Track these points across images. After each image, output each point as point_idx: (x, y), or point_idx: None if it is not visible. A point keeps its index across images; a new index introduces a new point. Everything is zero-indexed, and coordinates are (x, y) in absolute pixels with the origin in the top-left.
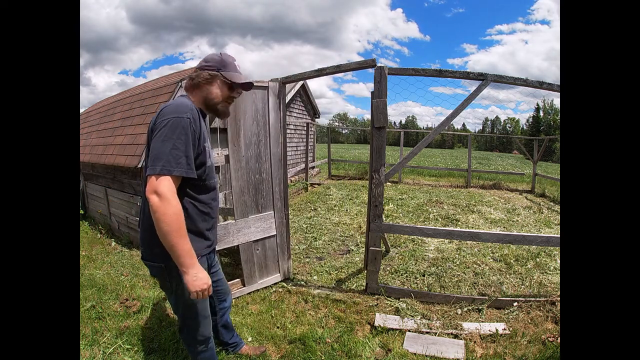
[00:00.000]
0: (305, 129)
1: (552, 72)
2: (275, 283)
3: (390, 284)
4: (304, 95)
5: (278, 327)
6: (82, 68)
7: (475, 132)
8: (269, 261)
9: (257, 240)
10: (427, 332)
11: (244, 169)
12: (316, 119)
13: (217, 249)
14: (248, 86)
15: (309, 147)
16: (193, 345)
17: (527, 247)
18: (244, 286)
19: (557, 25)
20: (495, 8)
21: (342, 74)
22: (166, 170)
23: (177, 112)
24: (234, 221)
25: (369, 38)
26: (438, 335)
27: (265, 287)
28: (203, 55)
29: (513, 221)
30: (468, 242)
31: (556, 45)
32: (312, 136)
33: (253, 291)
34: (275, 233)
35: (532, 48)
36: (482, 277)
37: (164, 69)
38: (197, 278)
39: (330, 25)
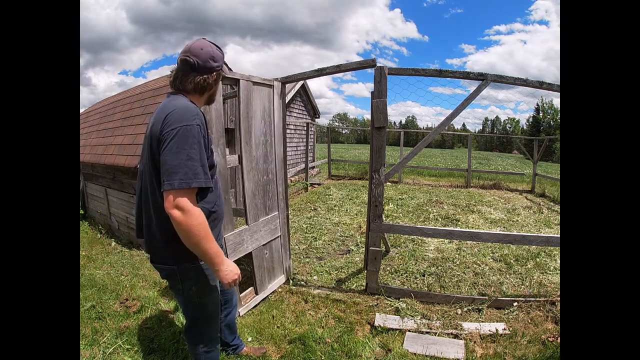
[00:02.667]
0: (305, 129)
1: (551, 72)
2: (280, 285)
3: (390, 284)
4: (304, 95)
5: (278, 327)
6: (82, 68)
7: (475, 132)
8: (275, 264)
9: (265, 244)
10: (427, 332)
11: (255, 170)
12: (316, 119)
13: (233, 259)
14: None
15: (309, 147)
16: (200, 345)
17: (527, 247)
18: (257, 294)
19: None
20: (493, 9)
21: (342, 74)
22: (185, 183)
23: (185, 120)
24: (247, 227)
25: (368, 38)
26: (438, 335)
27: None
28: None
29: (513, 221)
30: (468, 242)
31: (555, 45)
32: (312, 136)
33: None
34: (280, 234)
35: (530, 48)
36: (482, 277)
37: (164, 69)
38: (229, 271)
39: (330, 26)
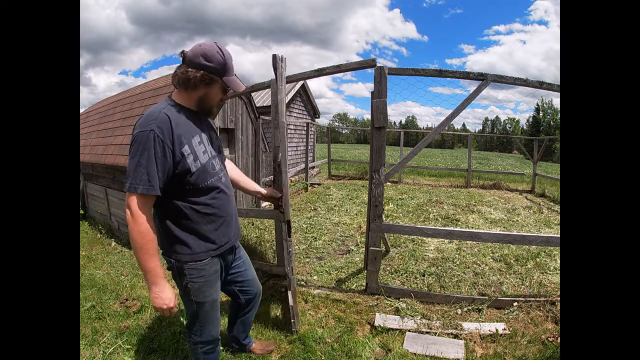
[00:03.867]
0: (305, 129)
1: (550, 72)
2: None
3: (390, 284)
4: (304, 95)
5: (278, 327)
6: (82, 68)
7: (475, 132)
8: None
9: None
10: (427, 332)
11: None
12: (316, 119)
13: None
14: (244, 91)
15: (309, 147)
16: (200, 345)
17: (527, 247)
18: None
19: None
20: (492, 9)
21: (342, 74)
22: (132, 188)
23: (141, 126)
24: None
25: (368, 39)
26: (438, 335)
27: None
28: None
29: (513, 221)
30: (468, 242)
31: (554, 45)
32: (312, 136)
33: None
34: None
35: (530, 48)
36: (482, 277)
37: (164, 69)
38: (159, 297)
39: (330, 26)
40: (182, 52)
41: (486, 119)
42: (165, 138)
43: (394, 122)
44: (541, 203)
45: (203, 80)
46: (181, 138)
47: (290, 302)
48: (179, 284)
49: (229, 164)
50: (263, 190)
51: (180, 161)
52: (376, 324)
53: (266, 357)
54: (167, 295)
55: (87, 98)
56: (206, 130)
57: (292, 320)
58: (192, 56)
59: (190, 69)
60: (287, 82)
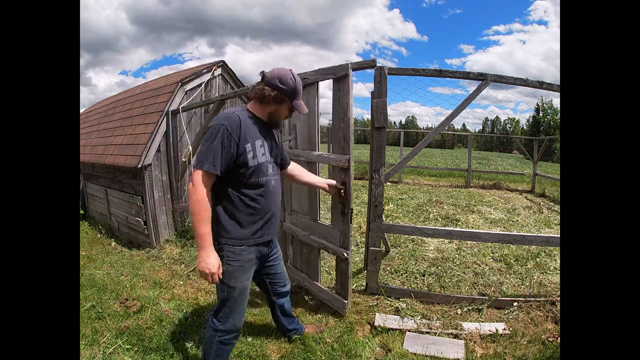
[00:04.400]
0: None
1: (550, 72)
2: None
3: (390, 284)
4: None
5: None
6: (82, 68)
7: (475, 132)
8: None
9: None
10: (427, 332)
11: None
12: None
13: None
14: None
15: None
16: (218, 332)
17: (527, 247)
18: None
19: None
20: (492, 9)
21: None
22: (199, 165)
23: (217, 120)
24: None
25: (367, 39)
26: (438, 335)
27: None
28: (202, 56)
29: (513, 221)
30: (468, 242)
31: (554, 45)
32: None
33: None
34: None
35: (530, 48)
36: (482, 277)
37: (164, 69)
38: (204, 261)
39: (330, 26)
40: (262, 72)
41: (486, 119)
42: (233, 133)
43: (394, 122)
44: (541, 203)
45: (275, 99)
46: (246, 137)
47: (347, 285)
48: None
49: (293, 164)
50: (326, 185)
51: (242, 155)
52: (376, 324)
53: (266, 356)
54: (212, 260)
55: (87, 98)
56: (269, 139)
57: (345, 301)
58: (270, 77)
59: (266, 88)
60: None
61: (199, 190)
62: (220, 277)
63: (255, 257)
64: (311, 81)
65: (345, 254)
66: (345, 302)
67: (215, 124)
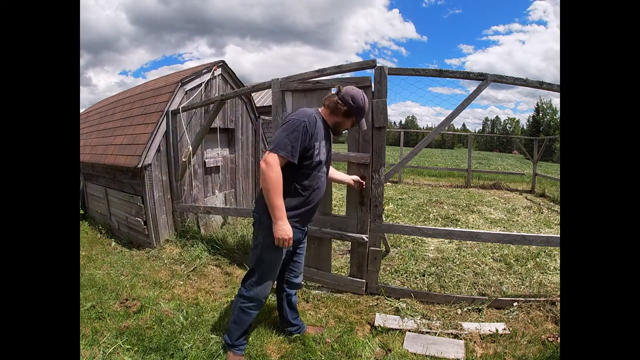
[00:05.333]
0: None
1: (550, 72)
2: None
3: (390, 284)
4: None
5: (278, 327)
6: (82, 68)
7: (475, 132)
8: None
9: None
10: (427, 332)
11: None
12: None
13: None
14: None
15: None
16: (242, 298)
17: (527, 247)
18: None
19: (554, 26)
20: (491, 9)
21: (341, 74)
22: (276, 150)
23: (297, 115)
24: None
25: (367, 39)
26: (438, 335)
27: None
28: (202, 56)
29: (513, 221)
30: (468, 242)
31: (553, 45)
32: None
33: None
34: None
35: (529, 48)
36: (482, 277)
37: (164, 69)
38: (282, 229)
39: (330, 26)
40: (339, 87)
41: (486, 119)
42: (309, 129)
43: (394, 122)
44: (541, 203)
45: (345, 113)
46: (317, 136)
47: (364, 267)
48: (257, 236)
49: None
50: (351, 180)
51: (310, 149)
52: (376, 324)
53: (266, 356)
54: (289, 227)
55: (87, 98)
56: (328, 143)
57: (363, 280)
58: (344, 94)
59: (340, 102)
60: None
61: (275, 169)
62: (291, 242)
63: (293, 240)
64: (327, 87)
65: (365, 238)
66: (363, 281)
67: (297, 119)
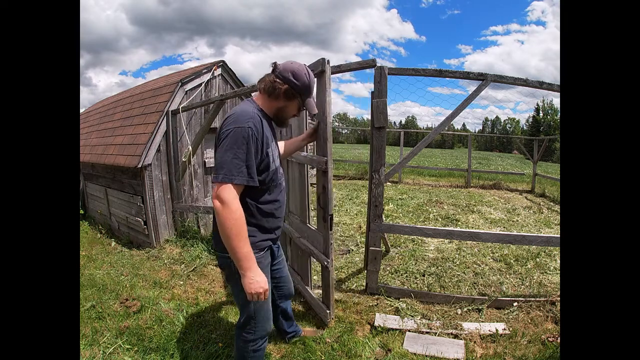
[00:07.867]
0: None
1: (549, 71)
2: None
3: (390, 284)
4: None
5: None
6: (82, 68)
7: (475, 132)
8: None
9: None
10: (427, 332)
11: None
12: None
13: None
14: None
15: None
16: (250, 344)
17: (527, 247)
18: None
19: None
20: (490, 10)
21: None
22: (227, 178)
23: (238, 122)
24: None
25: (366, 39)
26: (438, 335)
27: None
28: (202, 56)
29: (513, 221)
30: (468, 242)
31: (552, 45)
32: None
33: None
34: None
35: (528, 48)
36: (482, 277)
37: (163, 69)
38: (254, 281)
39: (329, 27)
40: (274, 63)
41: (486, 119)
42: (258, 136)
43: (394, 122)
44: (541, 203)
45: (286, 94)
46: (267, 139)
47: (329, 294)
48: (238, 278)
49: (280, 143)
50: (308, 136)
51: (265, 159)
52: (376, 324)
53: (267, 356)
54: (262, 278)
55: (87, 98)
56: (276, 138)
57: (328, 311)
58: (282, 70)
59: (277, 80)
60: None
61: (234, 208)
62: (268, 292)
63: (269, 261)
64: None
65: (326, 262)
66: (328, 311)
67: (239, 126)
